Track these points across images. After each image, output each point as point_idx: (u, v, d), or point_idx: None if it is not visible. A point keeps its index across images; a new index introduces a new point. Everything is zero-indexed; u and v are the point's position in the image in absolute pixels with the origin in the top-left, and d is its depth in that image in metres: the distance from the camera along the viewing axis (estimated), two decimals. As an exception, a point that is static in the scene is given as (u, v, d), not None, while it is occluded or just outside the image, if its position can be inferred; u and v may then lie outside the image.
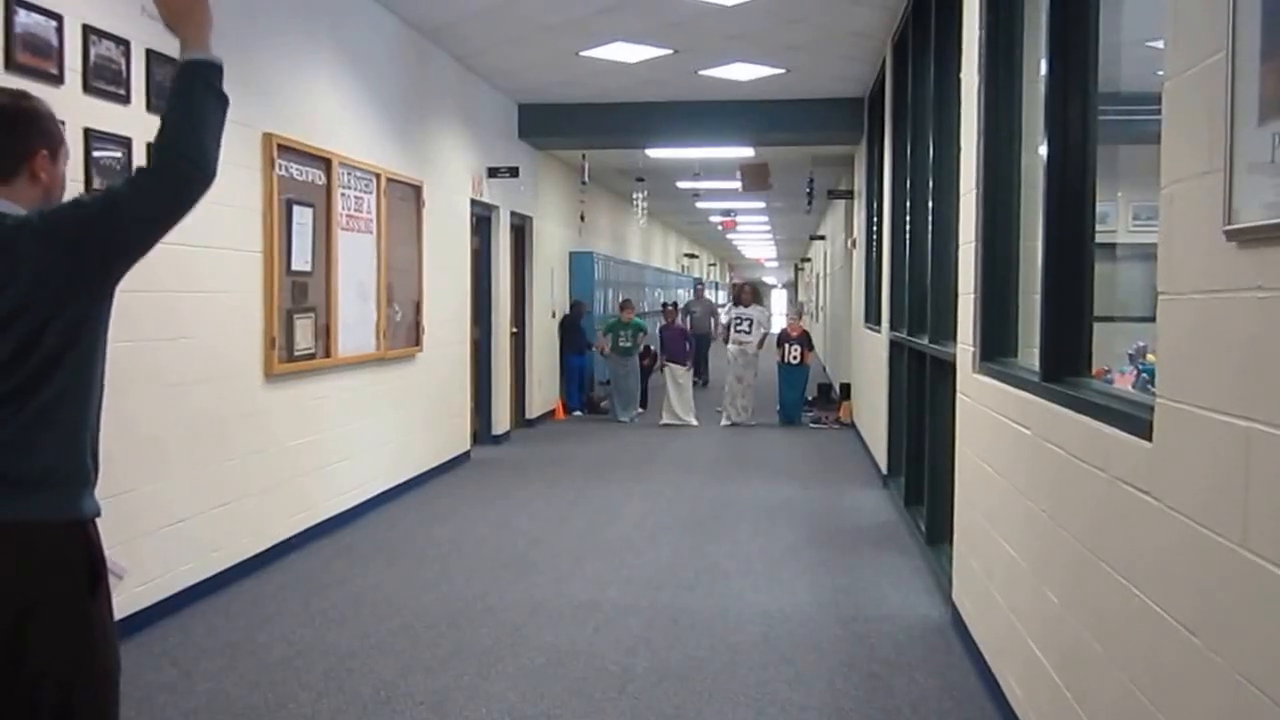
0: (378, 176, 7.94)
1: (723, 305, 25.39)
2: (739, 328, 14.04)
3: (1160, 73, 2.55)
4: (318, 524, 7.10)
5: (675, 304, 18.57)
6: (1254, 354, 2.06)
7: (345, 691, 4.49)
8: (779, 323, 22.65)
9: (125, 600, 5.05)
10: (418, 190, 8.84)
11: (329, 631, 5.26)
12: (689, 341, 14.48)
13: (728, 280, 49.94)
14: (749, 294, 14.62)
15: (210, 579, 5.79)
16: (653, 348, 15.40)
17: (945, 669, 4.82)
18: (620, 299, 16.07)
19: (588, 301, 15.60)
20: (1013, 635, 4.07)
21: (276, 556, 6.50)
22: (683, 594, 5.98)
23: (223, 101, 2.44)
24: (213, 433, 5.82)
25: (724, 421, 13.70)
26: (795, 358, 13.99)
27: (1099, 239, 3.77)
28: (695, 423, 13.56)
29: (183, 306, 5.50)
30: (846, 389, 14.31)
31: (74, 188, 4.61)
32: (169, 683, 4.57)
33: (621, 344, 14.15)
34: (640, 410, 14.66)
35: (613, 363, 14.35)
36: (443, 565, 6.52)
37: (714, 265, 46.26)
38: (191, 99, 2.39)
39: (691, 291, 22.06)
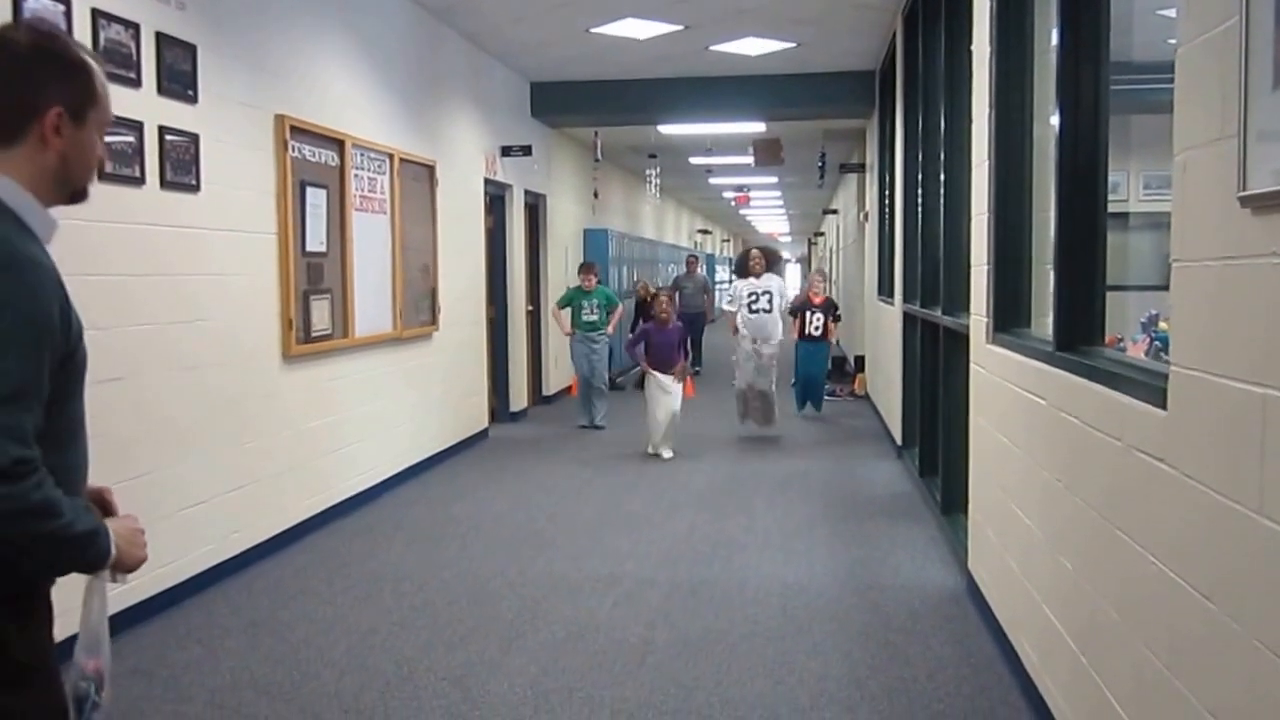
0: (391, 157, 7.95)
1: (722, 283, 23.20)
2: (755, 306, 10.35)
3: (1172, 40, 2.54)
4: (337, 504, 7.15)
5: (669, 289, 14.59)
6: (1269, 320, 2.06)
7: (368, 668, 4.54)
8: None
9: (148, 581, 5.11)
10: (431, 170, 8.85)
11: (351, 609, 5.31)
12: (685, 347, 9.89)
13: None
14: (760, 261, 10.53)
15: (232, 559, 5.84)
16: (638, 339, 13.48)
17: (962, 637, 4.85)
18: (580, 263, 12.71)
19: (602, 278, 15.57)
20: (1029, 603, 4.09)
21: (297, 537, 6.55)
22: (700, 566, 6.01)
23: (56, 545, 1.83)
24: (231, 415, 5.87)
25: (741, 428, 10.69)
26: (817, 329, 11.55)
27: (1110, 209, 3.76)
28: (669, 454, 9.46)
29: (198, 289, 5.53)
30: (861, 361, 14.25)
31: (89, 173, 4.65)
32: (194, 661, 4.63)
33: (585, 318, 11.24)
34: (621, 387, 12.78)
35: (575, 346, 11.39)
36: (462, 542, 6.57)
37: (727, 241, 46.15)
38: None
39: (683, 265, 17.98)
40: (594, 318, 11.27)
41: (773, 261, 10.89)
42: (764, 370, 10.25)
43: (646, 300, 15.53)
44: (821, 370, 11.90)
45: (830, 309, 11.88)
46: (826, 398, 12.51)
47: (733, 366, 10.77)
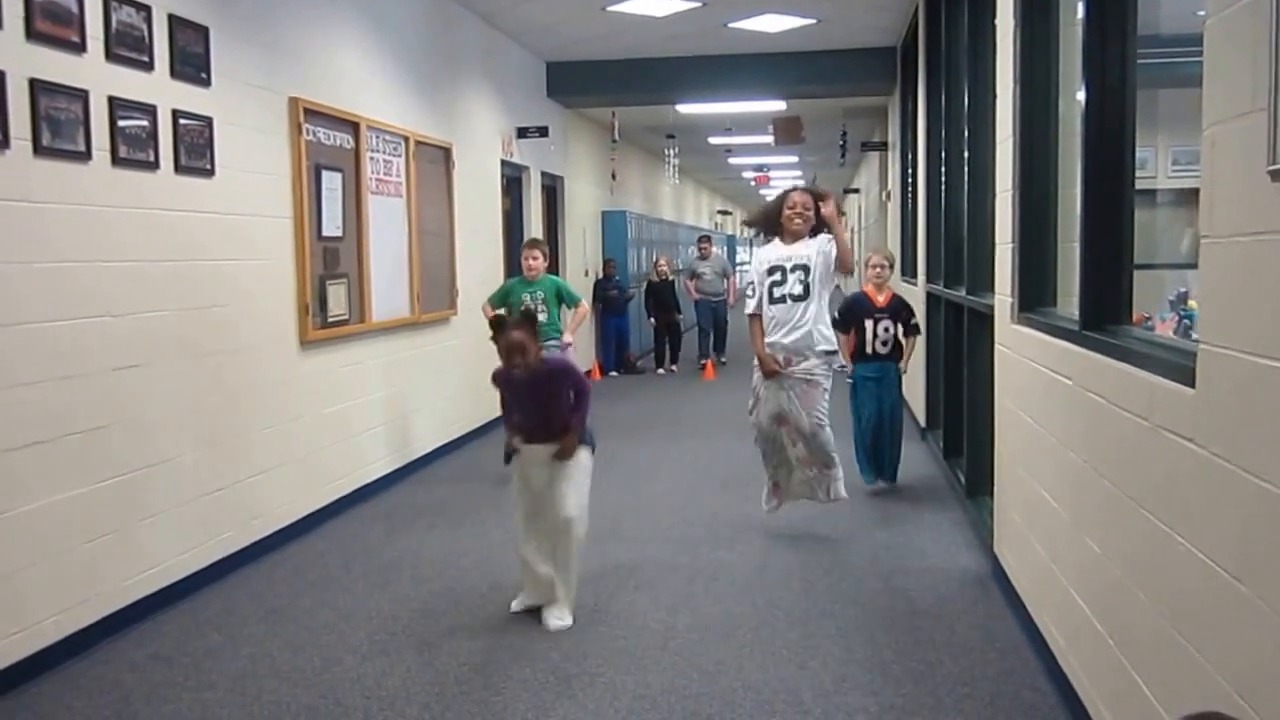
0: (406, 139, 7.91)
1: (744, 265, 21.68)
2: (778, 291, 6.06)
3: (1201, 12, 2.48)
4: (356, 489, 7.14)
5: (688, 276, 14.16)
6: (1301, 297, 2.00)
7: (389, 654, 4.52)
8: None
9: (168, 569, 5.11)
10: (447, 152, 8.81)
11: (371, 596, 5.29)
12: (581, 405, 5.05)
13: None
14: (804, 212, 6.07)
15: (252, 546, 5.84)
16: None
17: (986, 620, 4.80)
18: (525, 238, 9.10)
19: (619, 260, 15.51)
20: (1055, 586, 4.04)
21: (316, 523, 6.55)
22: (722, 550, 5.97)
23: None
24: (249, 401, 5.85)
25: (768, 504, 6.43)
26: (885, 344, 7.31)
27: (1138, 185, 3.70)
28: (566, 622, 4.81)
29: (214, 275, 5.51)
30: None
31: (101, 156, 4.65)
32: (214, 648, 4.62)
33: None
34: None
35: None
36: (482, 528, 6.54)
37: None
38: None
39: (696, 249, 16.10)
40: (540, 319, 6.86)
41: (819, 218, 6.07)
42: (802, 396, 6.02)
43: (660, 282, 15.34)
44: (896, 403, 7.41)
45: (903, 313, 7.39)
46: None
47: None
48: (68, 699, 4.13)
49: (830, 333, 6.11)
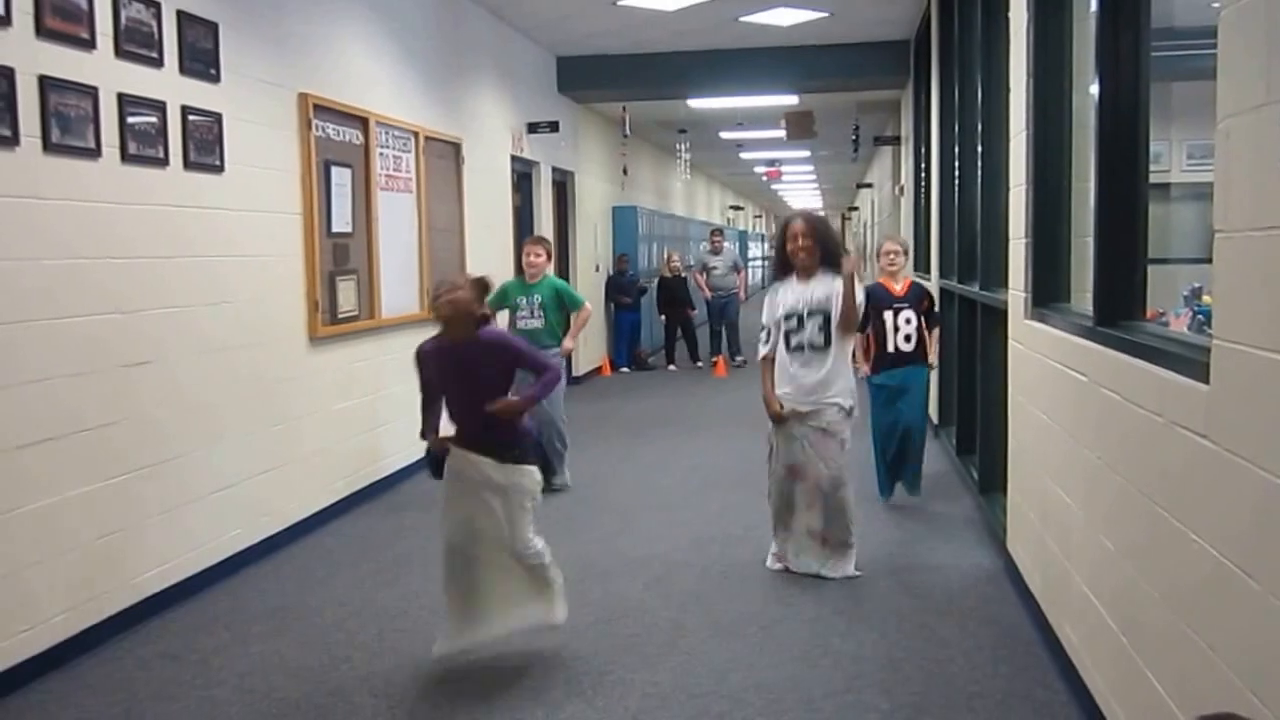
0: (416, 135, 7.89)
1: (755, 261, 21.23)
2: (795, 337, 5.36)
3: (1215, 4, 2.44)
4: (365, 487, 7.13)
5: (698, 270, 14.54)
6: (1318, 293, 1.97)
7: (398, 651, 4.51)
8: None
9: (177, 566, 5.11)
10: (457, 148, 8.79)
11: (379, 592, 5.28)
12: (547, 373, 4.44)
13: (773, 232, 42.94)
14: (808, 241, 5.37)
15: (260, 543, 5.83)
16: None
17: (999, 618, 4.77)
18: (534, 234, 9.25)
19: (630, 256, 15.45)
20: (1068, 583, 4.01)
21: (325, 520, 6.54)
22: (733, 548, 5.95)
23: None
24: (259, 397, 5.84)
25: (774, 563, 5.59)
26: (907, 339, 6.60)
27: (1152, 179, 3.66)
28: (560, 618, 4.50)
29: (223, 271, 5.50)
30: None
31: (110, 153, 4.64)
32: (222, 646, 4.61)
33: (521, 324, 7.15)
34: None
35: None
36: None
37: (759, 217, 45.92)
38: None
39: (707, 244, 15.73)
40: (535, 324, 7.11)
41: (828, 246, 5.42)
42: (817, 444, 5.33)
43: (672, 277, 15.28)
44: (919, 416, 6.68)
45: (922, 302, 6.72)
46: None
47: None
48: (77, 696, 4.13)
49: (852, 384, 5.37)
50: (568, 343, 7.29)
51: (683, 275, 15.32)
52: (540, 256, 7.28)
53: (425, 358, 4.25)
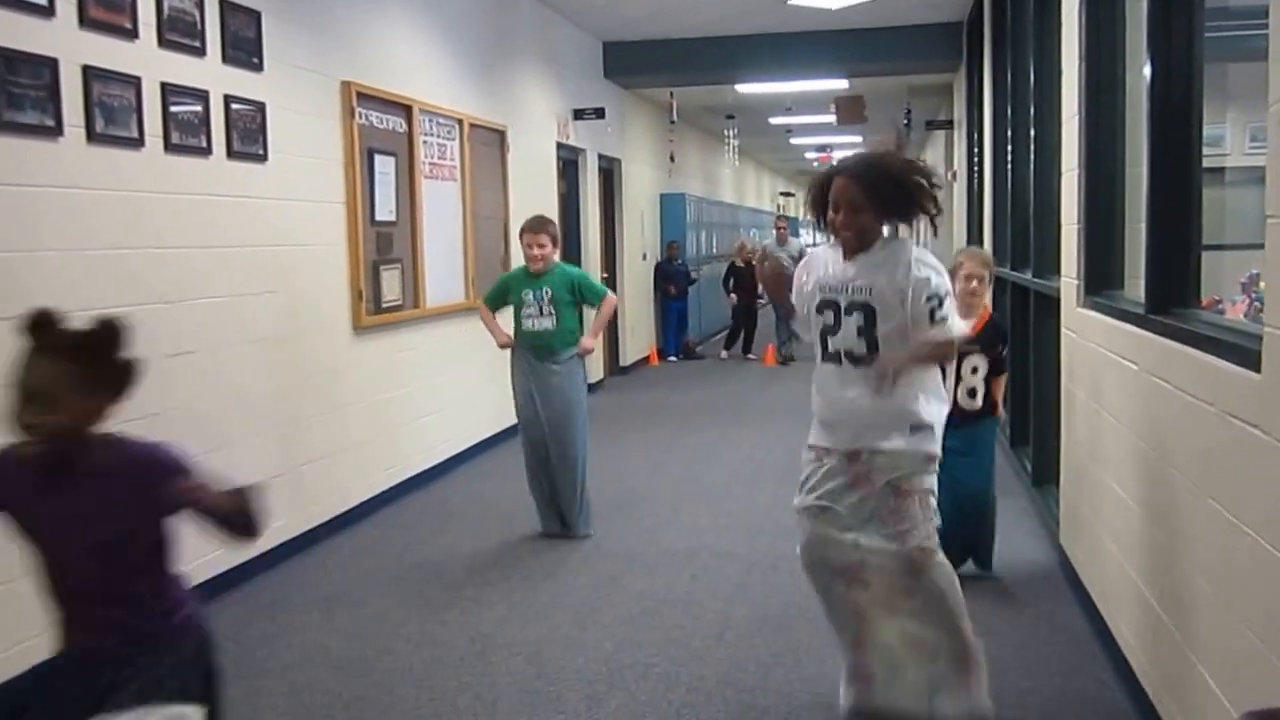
0: (460, 122, 7.87)
1: (808, 246, 20.79)
2: (832, 331, 3.46)
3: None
4: (411, 477, 7.12)
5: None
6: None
7: (441, 643, 4.50)
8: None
9: (221, 556, 5.11)
10: (501, 135, 8.75)
11: (424, 585, 5.27)
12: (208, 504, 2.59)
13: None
14: (847, 209, 3.36)
15: (305, 534, 5.84)
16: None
17: (1052, 614, 4.67)
18: (528, 221, 6.11)
19: (679, 244, 15.33)
20: (1123, 579, 3.93)
21: (370, 510, 6.54)
22: (781, 540, 5.86)
23: None
24: (303, 387, 5.85)
25: (848, 698, 3.61)
26: (971, 395, 4.94)
27: (1210, 163, 3.56)
28: None
29: (267, 261, 5.50)
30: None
31: (154, 143, 4.64)
32: (267, 636, 4.62)
33: (529, 324, 5.90)
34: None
35: (516, 374, 6.03)
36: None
37: (810, 202, 45.51)
38: None
39: (774, 231, 15.05)
40: (546, 324, 5.84)
41: (892, 205, 3.42)
42: (889, 516, 3.41)
43: (744, 266, 14.91)
44: (985, 482, 5.11)
45: (996, 347, 5.03)
46: None
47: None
48: (122, 686, 4.15)
49: (936, 410, 3.45)
50: (587, 341, 5.97)
51: (754, 263, 14.96)
52: (545, 247, 5.87)
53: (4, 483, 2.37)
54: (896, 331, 3.36)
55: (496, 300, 6.05)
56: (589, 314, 6.09)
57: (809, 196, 3.61)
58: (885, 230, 3.46)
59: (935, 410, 3.45)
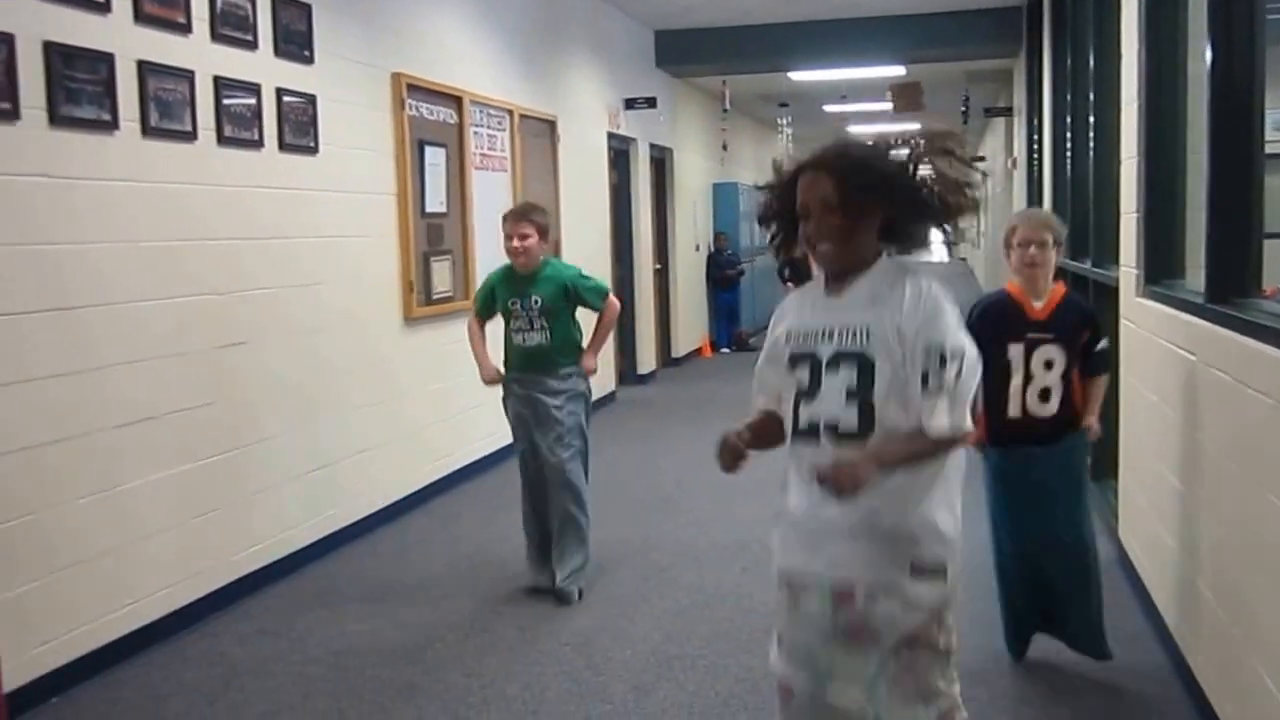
0: (510, 113, 7.87)
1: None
2: (803, 415, 2.49)
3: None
4: (460, 468, 7.13)
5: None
6: None
7: (491, 632, 4.51)
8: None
9: (273, 545, 5.17)
10: (552, 126, 8.75)
11: (473, 574, 5.29)
12: None
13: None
14: (821, 210, 2.36)
15: (355, 523, 5.87)
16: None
17: (1110, 610, 4.54)
18: (511, 209, 5.11)
19: (729, 235, 15.22)
20: (1180, 575, 3.86)
21: (420, 500, 6.56)
22: (830, 531, 5.83)
23: None
24: (353, 378, 5.88)
25: None
26: (1044, 397, 3.72)
27: (1273, 149, 3.49)
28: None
29: (318, 252, 5.54)
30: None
31: (206, 136, 4.68)
32: (318, 624, 4.66)
33: (520, 339, 4.88)
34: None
35: (510, 396, 4.99)
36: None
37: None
38: None
39: None
40: (537, 340, 4.86)
41: (880, 198, 2.38)
42: (897, 678, 2.43)
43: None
44: (1079, 528, 3.90)
45: (1081, 332, 3.81)
46: None
47: None
48: (177, 669, 4.21)
49: (947, 516, 2.43)
50: (589, 361, 4.94)
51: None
52: (529, 238, 4.79)
53: None
54: (895, 387, 2.31)
55: (486, 307, 5.03)
56: (588, 315, 5.01)
57: (767, 206, 2.57)
58: (884, 253, 2.44)
59: (941, 518, 2.40)
